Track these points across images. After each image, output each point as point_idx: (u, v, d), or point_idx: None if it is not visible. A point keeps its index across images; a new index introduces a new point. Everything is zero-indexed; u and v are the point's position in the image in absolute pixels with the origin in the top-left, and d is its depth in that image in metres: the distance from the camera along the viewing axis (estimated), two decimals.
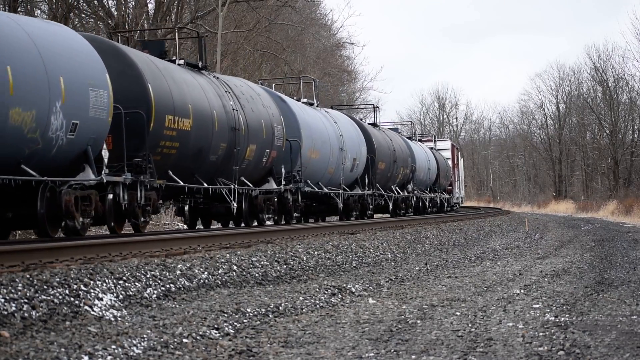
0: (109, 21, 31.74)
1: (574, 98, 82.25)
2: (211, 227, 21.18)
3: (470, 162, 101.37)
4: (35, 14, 31.09)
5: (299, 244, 13.60)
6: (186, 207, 19.78)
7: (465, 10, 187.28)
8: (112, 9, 33.25)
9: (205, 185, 17.46)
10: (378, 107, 37.55)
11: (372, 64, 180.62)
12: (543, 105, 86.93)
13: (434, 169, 42.82)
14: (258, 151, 19.78)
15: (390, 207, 32.79)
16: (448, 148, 51.88)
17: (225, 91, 18.73)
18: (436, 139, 54.78)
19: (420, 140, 46.61)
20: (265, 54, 43.18)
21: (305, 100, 26.42)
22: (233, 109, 18.57)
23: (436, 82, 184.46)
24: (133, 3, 33.74)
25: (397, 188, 33.93)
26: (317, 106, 27.20)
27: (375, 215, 34.15)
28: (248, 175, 19.51)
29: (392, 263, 14.36)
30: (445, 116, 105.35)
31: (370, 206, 29.50)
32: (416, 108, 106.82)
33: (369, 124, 32.86)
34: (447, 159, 49.62)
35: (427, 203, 40.50)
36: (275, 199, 20.82)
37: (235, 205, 18.37)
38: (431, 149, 45.65)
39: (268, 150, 20.35)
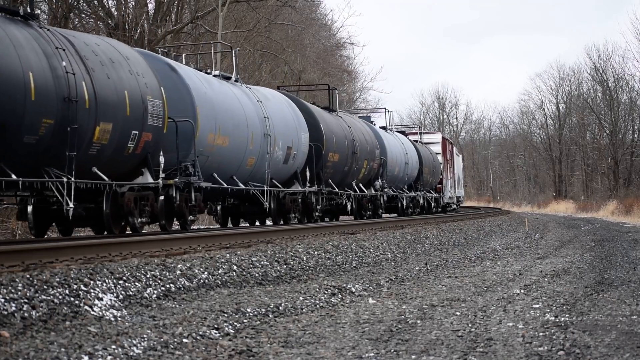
0: (109, 21, 31.76)
1: (574, 98, 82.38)
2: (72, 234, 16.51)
3: (470, 162, 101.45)
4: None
5: (299, 244, 13.61)
6: (29, 209, 15.05)
7: (465, 10, 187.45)
8: (112, 9, 33.27)
9: (14, 177, 12.37)
10: (335, 89, 30.43)
11: (372, 64, 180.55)
12: (543, 105, 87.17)
13: (414, 163, 37.55)
14: (117, 133, 14.50)
15: (349, 207, 27.53)
16: (438, 142, 46.39)
17: (59, 48, 13.56)
18: (423, 131, 48.75)
19: (402, 132, 41.37)
20: (265, 54, 43.20)
21: (217, 72, 20.99)
22: (68, 73, 13.40)
23: (436, 82, 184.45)
24: (133, 3, 33.76)
25: (360, 185, 28.75)
26: (236, 80, 21.59)
27: (338, 218, 30.17)
28: (104, 165, 14.45)
29: (392, 263, 14.37)
30: (445, 116, 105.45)
31: (318, 206, 24.17)
32: (416, 108, 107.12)
33: (322, 108, 27.25)
34: (437, 153, 44.51)
35: (404, 203, 35.38)
36: (161, 198, 16.12)
37: (71, 205, 13.33)
38: (415, 141, 40.83)
39: (136, 132, 15.03)
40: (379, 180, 30.91)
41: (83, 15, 32.79)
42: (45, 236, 15.56)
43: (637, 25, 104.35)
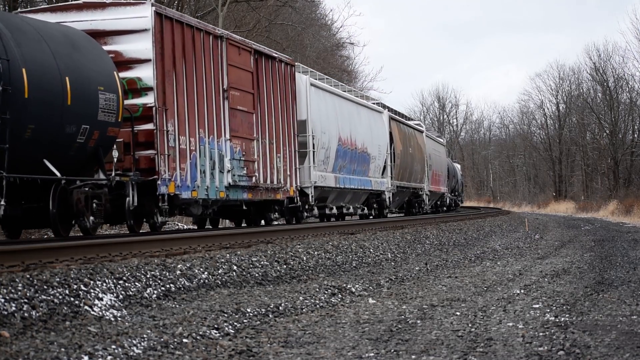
0: None
1: (574, 98, 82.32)
2: None
3: (471, 162, 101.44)
4: None
5: (299, 244, 13.60)
6: None
7: (465, 9, 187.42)
8: None
9: None
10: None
11: (372, 64, 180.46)
12: (543, 105, 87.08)
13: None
14: None
15: None
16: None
17: None
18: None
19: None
20: None
21: None
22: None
23: (436, 82, 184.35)
24: None
25: None
26: None
27: None
28: None
29: (392, 263, 14.36)
30: (445, 116, 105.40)
31: None
32: (416, 108, 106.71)
33: None
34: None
35: None
36: None
37: None
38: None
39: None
40: None
41: None
42: None
43: (637, 25, 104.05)
